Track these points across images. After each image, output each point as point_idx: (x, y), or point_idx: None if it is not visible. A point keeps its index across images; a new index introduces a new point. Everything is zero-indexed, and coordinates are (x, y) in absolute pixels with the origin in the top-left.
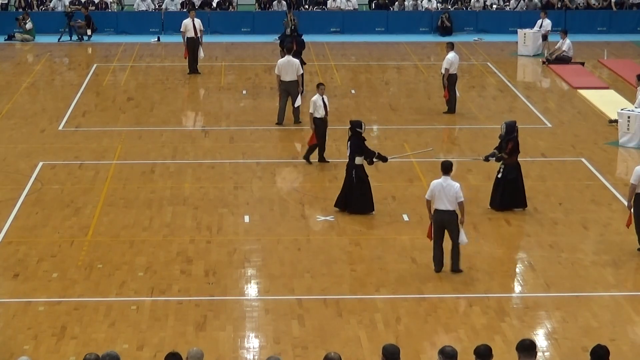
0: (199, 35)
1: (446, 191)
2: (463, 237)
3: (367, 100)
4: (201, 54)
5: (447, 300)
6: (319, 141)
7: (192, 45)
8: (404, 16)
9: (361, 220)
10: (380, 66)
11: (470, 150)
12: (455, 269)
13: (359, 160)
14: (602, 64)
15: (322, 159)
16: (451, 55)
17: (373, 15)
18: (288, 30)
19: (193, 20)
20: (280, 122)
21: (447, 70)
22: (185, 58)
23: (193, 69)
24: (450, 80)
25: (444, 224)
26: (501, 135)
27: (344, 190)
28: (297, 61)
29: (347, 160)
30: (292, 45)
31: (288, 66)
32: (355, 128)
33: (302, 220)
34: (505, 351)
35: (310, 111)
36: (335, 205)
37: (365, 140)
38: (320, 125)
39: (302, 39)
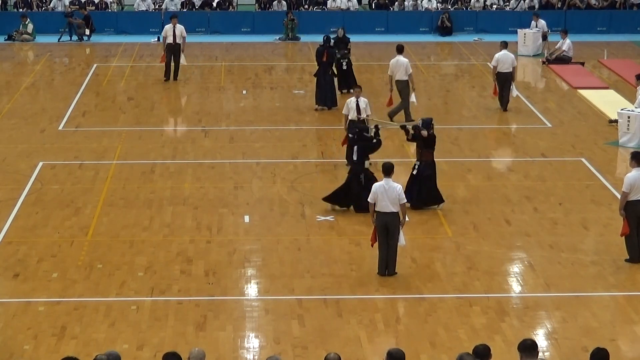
0: (179, 41)
1: (388, 193)
2: (402, 239)
3: (368, 100)
4: (183, 60)
5: (447, 300)
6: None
7: (171, 51)
8: (404, 16)
9: (361, 220)
10: (380, 66)
11: (470, 150)
12: (391, 272)
13: (366, 164)
14: (602, 64)
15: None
16: (499, 53)
17: (373, 15)
18: (341, 32)
19: (174, 27)
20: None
21: (494, 67)
22: (162, 62)
23: (169, 75)
24: (499, 78)
25: (387, 225)
26: (417, 127)
27: (343, 189)
28: (405, 61)
29: (355, 164)
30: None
31: (398, 65)
32: (363, 133)
33: (302, 220)
34: (505, 351)
35: (344, 112)
36: (332, 202)
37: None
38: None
39: (334, 50)
